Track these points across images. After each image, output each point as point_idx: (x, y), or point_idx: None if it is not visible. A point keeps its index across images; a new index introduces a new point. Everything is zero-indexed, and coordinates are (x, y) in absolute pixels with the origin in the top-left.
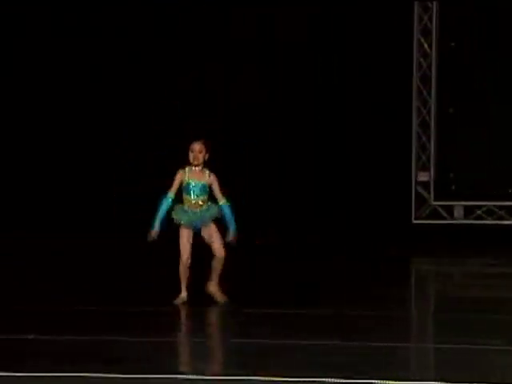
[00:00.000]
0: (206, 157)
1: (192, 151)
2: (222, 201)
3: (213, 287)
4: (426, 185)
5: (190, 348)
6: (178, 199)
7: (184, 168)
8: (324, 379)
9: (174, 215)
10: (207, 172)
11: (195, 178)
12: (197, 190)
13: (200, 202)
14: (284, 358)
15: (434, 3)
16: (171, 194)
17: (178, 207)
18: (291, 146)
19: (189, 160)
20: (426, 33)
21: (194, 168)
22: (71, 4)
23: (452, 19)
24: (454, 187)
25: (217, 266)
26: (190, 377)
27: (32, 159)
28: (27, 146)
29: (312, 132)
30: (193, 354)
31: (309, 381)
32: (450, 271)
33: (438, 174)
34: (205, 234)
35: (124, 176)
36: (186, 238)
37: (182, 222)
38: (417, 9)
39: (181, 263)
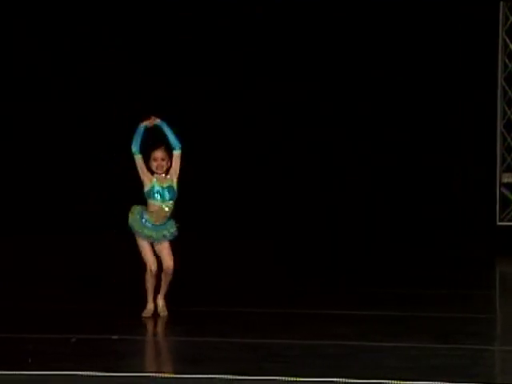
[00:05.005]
0: (168, 164)
1: (155, 160)
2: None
3: (160, 300)
4: (510, 186)
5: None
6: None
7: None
8: (414, 382)
9: (132, 222)
10: (168, 178)
11: (161, 182)
12: (165, 195)
13: (166, 209)
14: (373, 359)
15: None
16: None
17: (136, 211)
18: (369, 151)
19: (150, 168)
20: (511, 32)
21: (158, 175)
22: (70, 4)
23: None
24: None
25: (165, 278)
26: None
27: (29, 159)
28: (23, 147)
29: (396, 134)
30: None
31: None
32: None
33: None
34: (156, 248)
35: (122, 176)
36: (147, 249)
37: (139, 235)
38: (502, 8)
39: (148, 273)
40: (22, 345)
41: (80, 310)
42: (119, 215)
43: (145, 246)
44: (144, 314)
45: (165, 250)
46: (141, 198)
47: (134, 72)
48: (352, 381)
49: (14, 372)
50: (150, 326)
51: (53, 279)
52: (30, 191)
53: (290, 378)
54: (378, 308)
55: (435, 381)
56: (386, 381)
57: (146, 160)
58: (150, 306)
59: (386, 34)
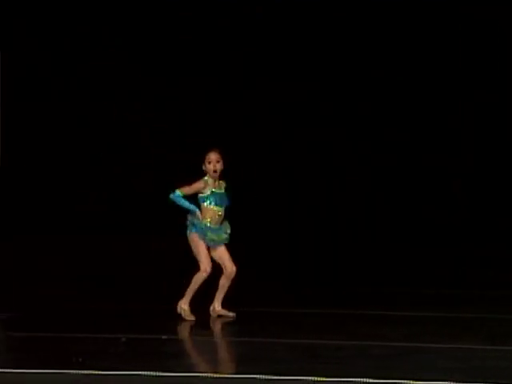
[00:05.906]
0: (222, 166)
1: (210, 162)
2: None
3: (219, 308)
4: None
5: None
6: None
7: (204, 178)
8: None
9: (195, 227)
10: (222, 182)
11: (216, 187)
12: (219, 200)
13: (221, 213)
14: (422, 360)
15: None
16: (180, 193)
17: (198, 222)
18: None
19: (204, 170)
20: None
21: (212, 178)
22: (70, 4)
23: None
24: None
25: (225, 283)
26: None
27: (29, 159)
28: (23, 147)
29: (396, 134)
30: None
31: None
32: None
33: None
34: (214, 254)
35: (123, 176)
36: (204, 250)
37: (201, 235)
38: None
39: (201, 274)
40: (71, 344)
41: (122, 310)
42: (119, 215)
43: (202, 246)
44: (187, 318)
45: (226, 255)
46: (142, 198)
47: (134, 72)
48: (403, 381)
49: (64, 371)
50: (197, 326)
51: (68, 279)
52: (31, 191)
53: (341, 379)
54: (424, 309)
55: (484, 383)
56: (438, 382)
57: (199, 163)
58: (187, 306)
59: (386, 34)
